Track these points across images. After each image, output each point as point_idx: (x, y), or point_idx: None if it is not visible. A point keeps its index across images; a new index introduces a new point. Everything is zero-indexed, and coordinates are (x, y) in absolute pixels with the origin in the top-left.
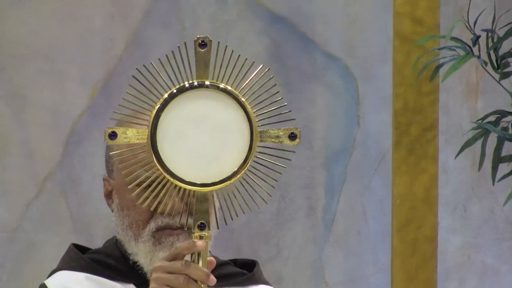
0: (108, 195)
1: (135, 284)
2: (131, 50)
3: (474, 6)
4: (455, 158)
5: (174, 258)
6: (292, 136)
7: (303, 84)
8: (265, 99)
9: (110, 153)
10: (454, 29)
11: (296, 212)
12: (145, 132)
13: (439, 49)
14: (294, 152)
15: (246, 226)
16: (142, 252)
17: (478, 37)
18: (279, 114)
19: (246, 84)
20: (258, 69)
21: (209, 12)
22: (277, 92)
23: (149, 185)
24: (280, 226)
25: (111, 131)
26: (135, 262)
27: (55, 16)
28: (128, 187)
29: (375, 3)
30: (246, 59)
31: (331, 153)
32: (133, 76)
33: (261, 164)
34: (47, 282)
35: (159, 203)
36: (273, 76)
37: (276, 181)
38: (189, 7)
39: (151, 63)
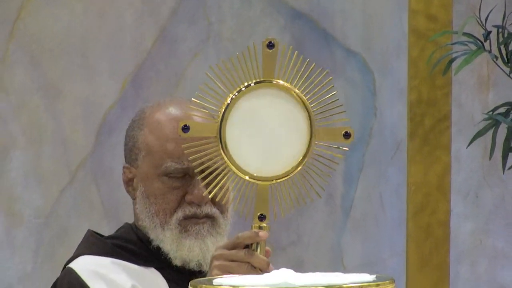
0: (128, 182)
1: (155, 268)
2: (159, 45)
3: (485, 3)
4: (467, 148)
5: (235, 247)
6: (347, 135)
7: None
8: (323, 99)
9: (182, 146)
10: (466, 25)
11: (316, 199)
12: (214, 126)
13: (452, 44)
14: (347, 149)
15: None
16: (168, 239)
17: (489, 32)
18: (336, 113)
19: (307, 84)
20: (318, 71)
21: (234, 8)
22: (335, 93)
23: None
24: (301, 213)
25: (184, 124)
26: (157, 248)
27: (87, 13)
28: (198, 178)
29: (391, 0)
30: (308, 60)
31: None
32: (206, 73)
33: (316, 160)
34: (73, 266)
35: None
36: (331, 78)
37: (330, 176)
38: (215, 4)
39: (222, 60)
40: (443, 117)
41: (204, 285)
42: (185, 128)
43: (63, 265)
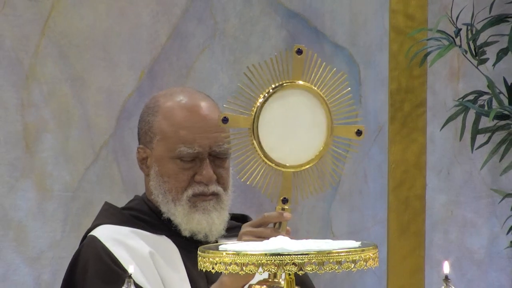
0: (142, 161)
1: (166, 236)
2: (172, 41)
3: (456, 4)
4: (440, 130)
5: (261, 225)
6: (358, 132)
7: None
8: (341, 100)
9: (222, 135)
10: (439, 23)
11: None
12: (250, 119)
13: (427, 40)
14: (360, 145)
15: None
16: (180, 214)
17: (460, 30)
18: (351, 113)
19: (327, 86)
20: (337, 75)
21: (237, 9)
22: (350, 95)
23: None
24: None
25: (224, 116)
26: (168, 219)
27: (109, 13)
28: (236, 166)
29: (374, 1)
30: (329, 66)
31: None
32: (244, 73)
33: (331, 153)
34: (96, 234)
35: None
36: (348, 82)
37: (343, 168)
38: (220, 5)
39: (259, 63)
40: (420, 103)
41: (211, 250)
42: (225, 120)
43: None
